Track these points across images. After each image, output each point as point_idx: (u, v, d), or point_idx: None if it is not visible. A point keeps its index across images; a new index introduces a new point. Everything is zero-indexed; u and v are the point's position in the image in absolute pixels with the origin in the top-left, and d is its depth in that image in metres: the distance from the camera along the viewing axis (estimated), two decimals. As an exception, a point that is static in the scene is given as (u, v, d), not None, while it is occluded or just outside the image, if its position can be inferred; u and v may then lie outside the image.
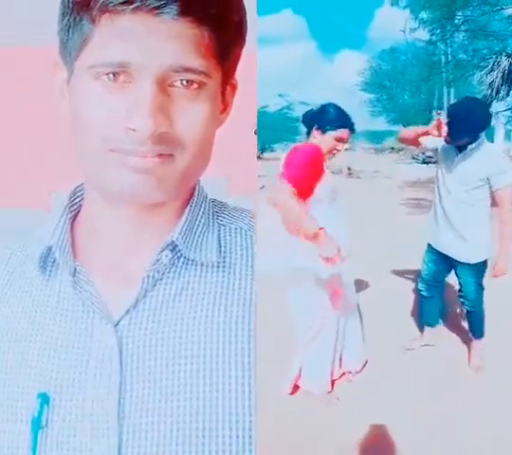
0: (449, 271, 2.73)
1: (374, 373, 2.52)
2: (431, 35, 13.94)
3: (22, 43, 2.29)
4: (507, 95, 8.82)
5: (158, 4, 0.63)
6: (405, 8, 13.39)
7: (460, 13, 11.71)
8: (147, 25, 0.63)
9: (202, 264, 0.76)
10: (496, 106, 9.26)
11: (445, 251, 2.62)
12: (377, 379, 2.47)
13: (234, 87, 0.78)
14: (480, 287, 2.61)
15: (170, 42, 0.64)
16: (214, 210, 0.82)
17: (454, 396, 2.26)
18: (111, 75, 0.65)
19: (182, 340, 0.73)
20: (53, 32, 0.71)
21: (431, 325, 2.89)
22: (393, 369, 2.57)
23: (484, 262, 2.54)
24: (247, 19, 0.73)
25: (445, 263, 2.66)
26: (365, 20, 67.51)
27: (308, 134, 2.22)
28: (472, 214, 2.45)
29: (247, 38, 0.73)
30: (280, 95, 21.62)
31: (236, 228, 0.81)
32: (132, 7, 0.62)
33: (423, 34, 14.41)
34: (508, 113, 10.84)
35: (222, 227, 0.81)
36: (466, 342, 2.80)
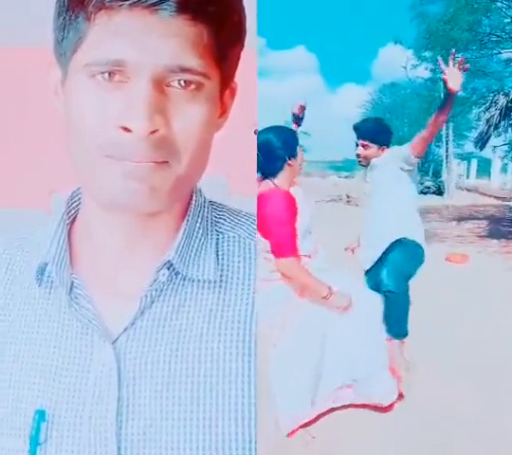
0: None
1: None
2: (433, 73, 14.32)
3: (22, 43, 2.28)
4: (505, 131, 9.00)
5: (155, 0, 0.61)
6: (409, 47, 13.80)
7: (460, 55, 11.96)
8: (144, 22, 0.61)
9: (199, 281, 0.74)
10: (494, 141, 9.53)
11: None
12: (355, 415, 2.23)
13: (234, 91, 0.76)
14: (394, 262, 2.37)
15: (167, 40, 0.62)
16: (213, 215, 0.80)
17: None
18: (106, 74, 0.63)
19: (178, 359, 0.72)
20: (52, 32, 0.70)
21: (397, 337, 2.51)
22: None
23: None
24: (247, 21, 0.72)
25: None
26: (369, 57, 69.55)
27: (280, 168, 2.18)
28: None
29: (247, 38, 0.72)
30: (285, 123, 22.33)
31: (235, 237, 0.79)
32: (128, 3, 0.61)
33: (424, 72, 14.91)
34: (506, 147, 11.12)
35: (221, 235, 0.79)
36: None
